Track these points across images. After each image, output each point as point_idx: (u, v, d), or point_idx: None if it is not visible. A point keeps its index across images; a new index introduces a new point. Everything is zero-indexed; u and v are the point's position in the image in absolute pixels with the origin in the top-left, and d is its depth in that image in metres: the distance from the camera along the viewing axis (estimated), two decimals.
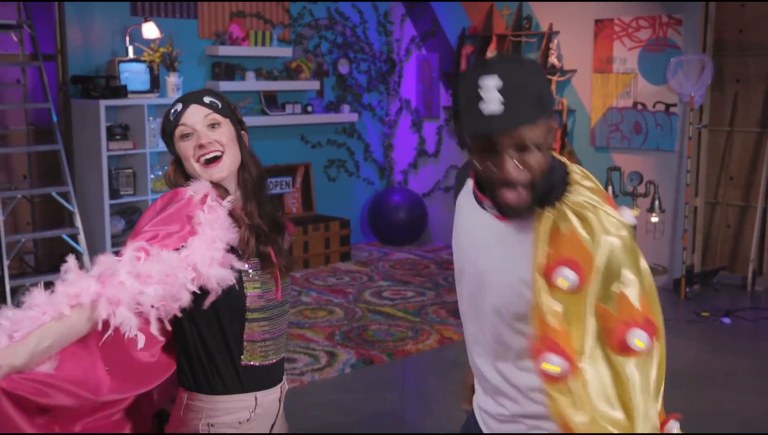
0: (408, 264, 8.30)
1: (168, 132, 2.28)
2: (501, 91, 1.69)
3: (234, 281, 2.10)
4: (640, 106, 7.51)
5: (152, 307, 2.01)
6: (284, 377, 2.42)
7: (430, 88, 9.04)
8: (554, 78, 7.94)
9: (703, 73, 7.06)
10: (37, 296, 1.97)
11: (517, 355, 1.98)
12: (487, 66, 1.80)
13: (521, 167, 1.75)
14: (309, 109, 8.48)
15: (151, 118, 7.11)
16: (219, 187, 2.21)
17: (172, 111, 2.28)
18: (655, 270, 6.04)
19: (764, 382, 5.33)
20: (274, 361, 2.28)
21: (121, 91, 6.92)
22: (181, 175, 2.29)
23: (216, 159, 2.20)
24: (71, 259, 2.08)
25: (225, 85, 7.84)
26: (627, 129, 7.60)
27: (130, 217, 7.19)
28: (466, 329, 2.19)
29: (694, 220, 7.35)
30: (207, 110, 2.23)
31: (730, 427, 4.62)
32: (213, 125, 2.24)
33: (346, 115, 8.86)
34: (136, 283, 1.99)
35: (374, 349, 5.77)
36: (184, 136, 2.22)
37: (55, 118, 6.93)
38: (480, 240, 1.99)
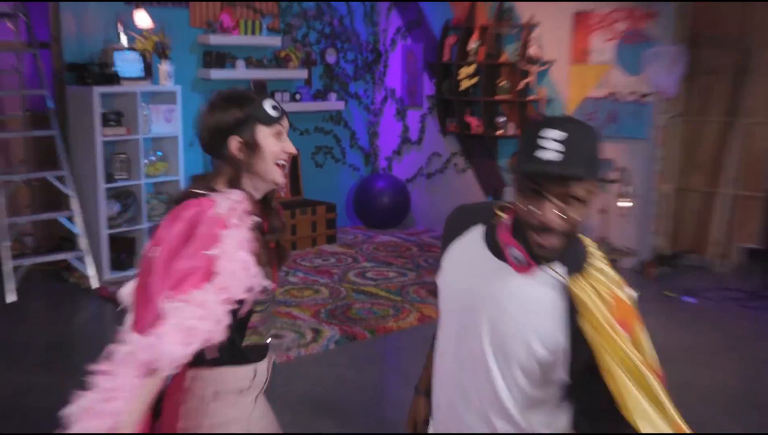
0: (391, 246, 8.45)
1: (248, 126, 2.23)
2: (562, 142, 1.78)
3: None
4: (614, 96, 7.63)
5: None
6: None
7: (415, 77, 9.15)
8: (534, 69, 8.06)
9: (676, 65, 7.15)
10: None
11: (516, 404, 2.02)
12: (553, 120, 1.89)
13: (563, 216, 1.80)
14: (297, 97, 8.59)
15: (143, 105, 7.19)
16: (250, 196, 2.22)
17: (274, 110, 2.28)
18: (623, 252, 6.24)
19: (721, 358, 5.52)
20: (268, 340, 2.43)
21: (115, 78, 7.01)
22: (227, 181, 2.25)
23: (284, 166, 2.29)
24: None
25: (215, 73, 7.94)
26: (602, 118, 7.69)
27: (125, 201, 7.29)
28: (443, 367, 2.21)
29: (663, 206, 7.54)
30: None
31: (688, 397, 4.83)
32: None
33: (333, 104, 8.97)
34: (184, 339, 2.00)
35: (357, 326, 5.93)
36: (278, 135, 2.27)
37: (50, 105, 7.02)
38: (489, 288, 2.00)
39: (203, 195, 2.18)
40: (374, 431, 4.36)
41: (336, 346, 5.60)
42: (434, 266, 7.67)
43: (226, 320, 2.06)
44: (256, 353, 2.36)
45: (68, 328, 6.11)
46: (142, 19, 7.38)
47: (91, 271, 6.99)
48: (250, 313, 2.24)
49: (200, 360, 2.17)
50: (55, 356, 5.46)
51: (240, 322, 2.20)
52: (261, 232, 2.23)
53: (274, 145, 2.26)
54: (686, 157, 7.76)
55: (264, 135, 2.25)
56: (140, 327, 2.03)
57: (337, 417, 4.53)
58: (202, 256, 2.07)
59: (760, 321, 6.32)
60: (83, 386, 2.02)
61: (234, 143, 2.23)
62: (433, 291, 6.66)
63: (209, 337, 2.04)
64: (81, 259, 7.03)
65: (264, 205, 2.35)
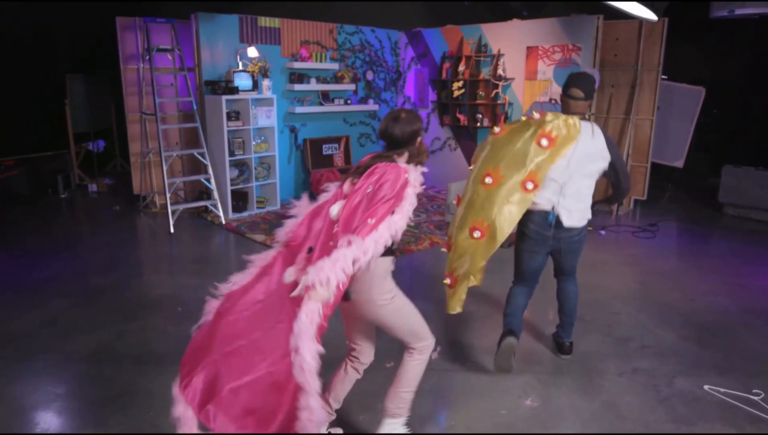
0: None
1: (421, 133, 2.63)
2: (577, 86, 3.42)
3: None
4: (553, 101, 7.54)
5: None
6: None
7: (423, 89, 9.02)
8: (501, 83, 7.93)
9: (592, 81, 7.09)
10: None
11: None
12: (573, 77, 3.54)
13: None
14: (348, 102, 8.50)
15: (252, 107, 7.16)
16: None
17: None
18: None
19: (624, 269, 5.53)
20: (394, 246, 2.54)
21: (235, 90, 6.99)
22: (405, 160, 2.59)
23: None
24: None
25: (297, 87, 7.87)
26: None
27: (241, 168, 7.29)
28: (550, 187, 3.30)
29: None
30: None
31: (605, 294, 4.82)
32: None
33: (371, 106, 8.86)
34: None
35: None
36: None
37: (194, 107, 7.05)
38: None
39: (393, 161, 2.52)
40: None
41: None
42: (438, 210, 7.62)
43: (399, 234, 2.36)
44: (391, 251, 2.55)
45: (206, 249, 6.15)
46: (252, 52, 7.38)
47: (220, 213, 6.98)
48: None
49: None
50: (199, 267, 5.48)
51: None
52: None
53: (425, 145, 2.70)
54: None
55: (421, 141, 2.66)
56: (361, 234, 2.26)
57: None
58: (397, 195, 2.35)
59: (645, 245, 6.29)
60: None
61: (419, 140, 2.61)
62: (438, 226, 6.65)
63: (390, 241, 2.33)
64: (214, 206, 7.04)
65: None
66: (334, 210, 2.47)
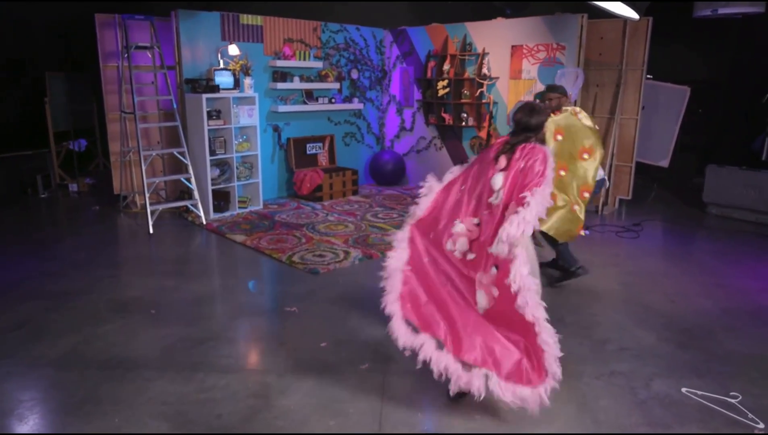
0: (394, 197, 8.32)
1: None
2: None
3: None
4: (537, 100, 7.49)
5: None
6: None
7: (408, 88, 8.97)
8: (485, 82, 7.89)
9: (577, 80, 7.06)
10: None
11: None
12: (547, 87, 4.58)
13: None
14: (333, 100, 8.44)
15: (234, 106, 7.06)
16: None
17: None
18: None
19: (606, 269, 5.46)
20: None
21: (216, 88, 6.90)
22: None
23: None
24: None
25: (280, 85, 7.81)
26: None
27: (222, 167, 7.19)
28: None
29: None
30: None
31: (588, 297, 4.78)
32: None
33: (356, 105, 8.81)
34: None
35: (373, 249, 5.85)
36: None
37: (175, 106, 6.96)
38: None
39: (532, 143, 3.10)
40: (384, 316, 4.26)
41: (359, 263, 5.53)
42: None
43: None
44: None
45: (185, 249, 6.03)
46: (233, 50, 7.31)
47: (201, 213, 6.88)
48: None
49: None
50: (176, 268, 5.38)
51: None
52: None
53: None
54: None
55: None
56: (524, 204, 2.84)
57: (361, 309, 4.48)
58: (545, 169, 2.93)
59: (628, 245, 6.26)
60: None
61: (543, 129, 3.19)
62: None
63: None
64: (195, 206, 6.94)
65: None
66: (498, 180, 3.05)
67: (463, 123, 8.24)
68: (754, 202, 7.07)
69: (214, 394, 3.27)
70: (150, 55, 7.16)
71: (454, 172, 3.30)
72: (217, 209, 7.13)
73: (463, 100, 8.18)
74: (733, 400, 3.27)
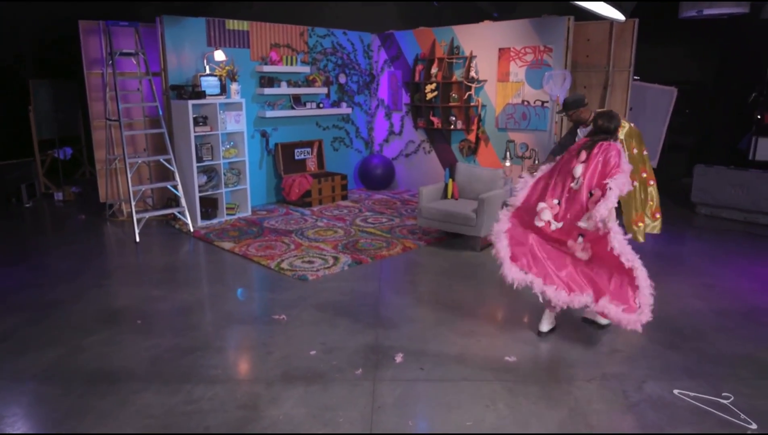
0: (383, 202, 8.29)
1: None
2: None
3: None
4: (525, 103, 7.50)
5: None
6: None
7: (396, 92, 8.95)
8: (473, 85, 7.88)
9: (564, 82, 7.08)
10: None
11: None
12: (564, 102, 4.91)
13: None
14: (321, 105, 8.40)
15: (221, 111, 7.01)
16: None
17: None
18: None
19: None
20: None
21: (202, 95, 6.85)
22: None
23: None
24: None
25: (267, 91, 7.77)
26: (518, 117, 7.59)
27: (210, 174, 7.13)
28: None
29: None
30: None
31: None
32: None
33: (344, 109, 8.77)
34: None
35: (362, 254, 5.81)
36: None
37: (161, 112, 6.91)
38: None
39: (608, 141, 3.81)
40: (373, 322, 4.22)
41: (348, 268, 5.49)
42: (412, 214, 7.54)
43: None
44: None
45: (172, 258, 5.96)
46: (219, 55, 7.25)
47: (188, 220, 6.82)
48: None
49: None
50: (163, 277, 5.31)
51: None
52: None
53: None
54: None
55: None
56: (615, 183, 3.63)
57: (350, 316, 4.42)
58: (619, 163, 3.68)
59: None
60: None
61: (618, 130, 3.90)
62: (412, 230, 6.57)
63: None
64: (182, 213, 6.89)
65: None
66: (578, 170, 3.78)
67: (452, 126, 8.23)
68: (742, 201, 7.11)
69: (201, 406, 3.21)
70: (135, 62, 7.10)
71: (544, 169, 4.04)
72: (204, 216, 7.07)
73: (451, 104, 8.17)
74: (725, 401, 3.26)
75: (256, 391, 3.36)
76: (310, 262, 5.56)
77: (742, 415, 3.13)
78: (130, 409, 3.18)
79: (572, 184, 3.80)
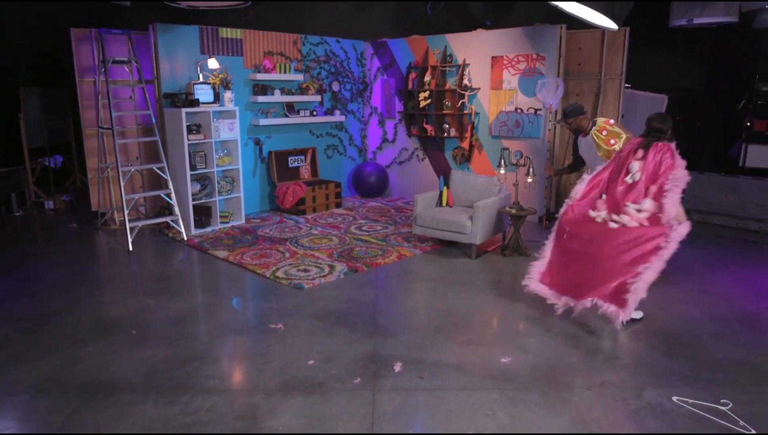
0: (377, 209, 8.28)
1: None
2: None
3: None
4: (518, 110, 7.54)
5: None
6: None
7: (390, 99, 8.97)
8: (467, 93, 7.91)
9: (557, 90, 7.12)
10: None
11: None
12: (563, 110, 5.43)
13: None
14: (314, 113, 8.39)
15: (214, 119, 6.98)
16: None
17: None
18: (529, 211, 6.14)
19: None
20: None
21: (195, 102, 6.82)
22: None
23: None
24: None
25: (261, 98, 7.76)
26: (511, 124, 7.63)
27: (203, 182, 7.09)
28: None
29: (551, 180, 7.45)
30: None
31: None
32: None
33: (337, 117, 8.77)
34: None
35: (358, 263, 5.79)
36: None
37: (154, 120, 6.87)
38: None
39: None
40: (371, 331, 4.21)
41: (344, 276, 5.47)
42: (407, 222, 7.54)
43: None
44: None
45: (166, 267, 5.91)
46: (212, 63, 7.23)
47: (182, 229, 6.77)
48: None
49: None
50: (157, 286, 5.26)
51: None
52: None
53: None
54: (563, 149, 7.63)
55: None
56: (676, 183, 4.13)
57: (348, 325, 4.40)
58: (674, 162, 4.17)
59: None
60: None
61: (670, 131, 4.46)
62: (406, 238, 6.56)
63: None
64: (176, 221, 6.84)
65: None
66: (635, 166, 4.26)
67: (445, 134, 8.25)
68: (734, 207, 7.18)
69: (199, 417, 3.18)
70: (128, 70, 7.06)
71: (598, 168, 4.57)
72: (198, 225, 7.02)
73: (444, 111, 8.19)
74: (723, 408, 3.27)
75: (254, 401, 3.32)
76: (305, 270, 5.53)
77: (741, 422, 3.15)
78: (127, 421, 3.14)
79: (627, 178, 4.28)
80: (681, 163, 4.13)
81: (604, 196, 4.38)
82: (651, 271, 3.95)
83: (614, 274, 4.04)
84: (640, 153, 4.30)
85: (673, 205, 4.03)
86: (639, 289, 3.93)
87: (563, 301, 4.27)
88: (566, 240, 4.39)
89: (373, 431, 3.06)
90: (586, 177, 4.57)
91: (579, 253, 4.26)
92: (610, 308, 4.00)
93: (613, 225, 4.19)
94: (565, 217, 4.46)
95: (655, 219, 4.09)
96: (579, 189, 4.53)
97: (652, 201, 4.12)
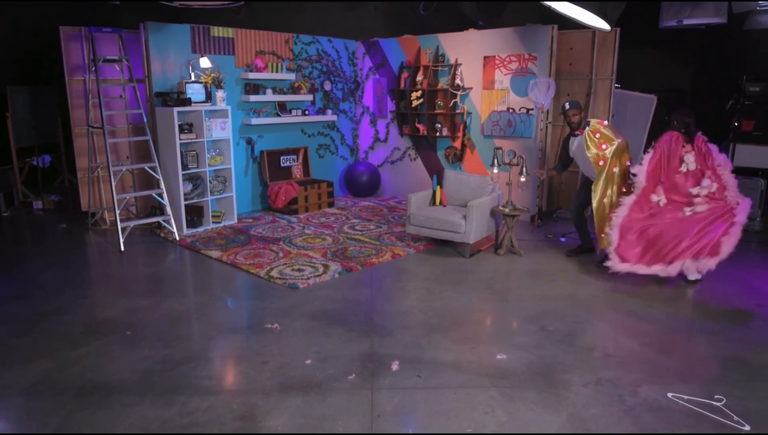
0: (370, 209, 8.27)
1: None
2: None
3: None
4: (510, 110, 7.57)
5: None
6: None
7: (381, 99, 8.97)
8: (459, 93, 7.93)
9: (549, 90, 7.16)
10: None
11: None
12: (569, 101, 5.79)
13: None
14: (306, 112, 8.38)
15: (206, 119, 6.94)
16: None
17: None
18: (522, 210, 6.16)
19: (585, 277, 5.50)
20: None
21: (187, 102, 6.78)
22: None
23: None
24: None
25: (253, 98, 7.73)
26: (503, 124, 7.65)
27: (195, 182, 7.05)
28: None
29: (543, 181, 7.48)
30: None
31: (571, 304, 4.82)
32: None
33: (329, 116, 8.75)
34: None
35: (352, 262, 5.78)
36: None
37: (145, 120, 6.82)
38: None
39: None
40: (367, 330, 4.21)
41: (339, 276, 5.47)
42: (399, 221, 7.55)
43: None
44: None
45: (158, 267, 5.87)
46: (204, 62, 7.20)
47: (174, 228, 6.73)
48: None
49: None
50: (150, 286, 5.22)
51: None
52: None
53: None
54: (555, 148, 7.67)
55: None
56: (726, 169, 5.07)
57: (344, 324, 4.40)
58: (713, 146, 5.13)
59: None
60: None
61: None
62: (400, 237, 6.56)
63: None
64: (167, 221, 6.78)
65: None
66: (689, 157, 5.03)
67: (437, 133, 8.27)
68: None
69: (197, 418, 3.16)
70: (118, 69, 7.00)
71: (646, 157, 5.19)
72: (190, 224, 6.98)
73: (436, 111, 8.21)
74: (718, 404, 3.31)
75: (252, 401, 3.31)
76: (299, 270, 5.52)
77: (735, 417, 3.19)
78: (124, 423, 3.11)
79: (681, 169, 5.04)
80: (715, 148, 5.02)
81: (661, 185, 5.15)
82: (733, 236, 4.83)
83: (701, 237, 4.88)
84: (689, 147, 5.08)
85: (733, 180, 4.91)
86: (730, 242, 4.82)
87: (655, 270, 4.98)
88: (644, 225, 5.08)
89: (373, 430, 3.06)
90: (639, 167, 5.19)
91: (660, 235, 4.98)
92: (703, 260, 4.88)
93: (688, 212, 4.96)
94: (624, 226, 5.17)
95: (719, 197, 4.92)
96: (641, 176, 5.15)
97: (710, 181, 4.95)
